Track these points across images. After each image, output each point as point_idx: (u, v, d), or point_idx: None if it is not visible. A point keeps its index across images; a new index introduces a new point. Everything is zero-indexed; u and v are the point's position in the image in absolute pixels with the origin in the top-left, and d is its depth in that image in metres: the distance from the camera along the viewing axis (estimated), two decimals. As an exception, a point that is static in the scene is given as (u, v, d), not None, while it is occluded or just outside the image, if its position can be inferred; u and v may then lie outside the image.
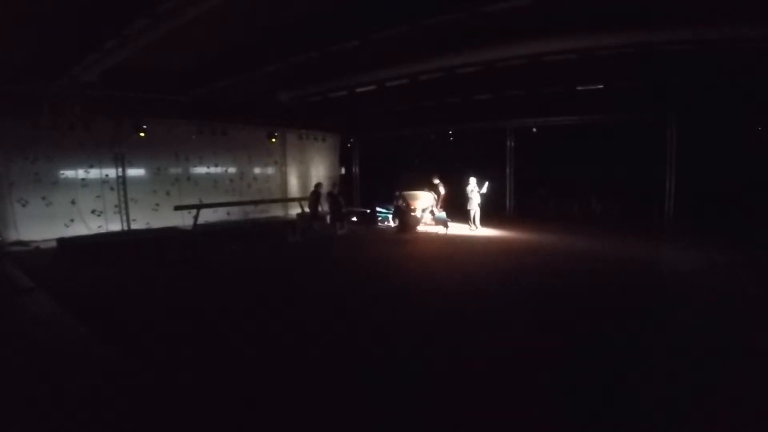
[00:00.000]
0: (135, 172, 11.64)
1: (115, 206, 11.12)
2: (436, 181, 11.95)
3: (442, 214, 11.44)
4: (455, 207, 12.35)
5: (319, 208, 11.60)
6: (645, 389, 3.26)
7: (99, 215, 10.83)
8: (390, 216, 12.57)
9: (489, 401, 3.18)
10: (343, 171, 17.97)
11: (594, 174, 12.67)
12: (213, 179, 13.23)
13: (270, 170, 15.08)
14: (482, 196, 11.59)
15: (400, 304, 5.60)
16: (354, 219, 13.61)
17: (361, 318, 5.14)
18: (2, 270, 7.61)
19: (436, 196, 11.95)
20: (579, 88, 10.85)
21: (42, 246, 9.54)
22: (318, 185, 12.03)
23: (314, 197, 11.69)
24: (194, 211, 11.14)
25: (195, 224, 11.12)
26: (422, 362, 3.85)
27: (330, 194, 12.28)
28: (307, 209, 11.75)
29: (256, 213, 13.92)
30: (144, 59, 8.05)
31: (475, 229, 11.56)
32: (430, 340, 4.37)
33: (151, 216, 11.69)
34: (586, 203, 13.69)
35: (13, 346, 4.26)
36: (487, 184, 11.51)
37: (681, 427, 2.84)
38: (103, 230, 10.72)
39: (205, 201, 11.98)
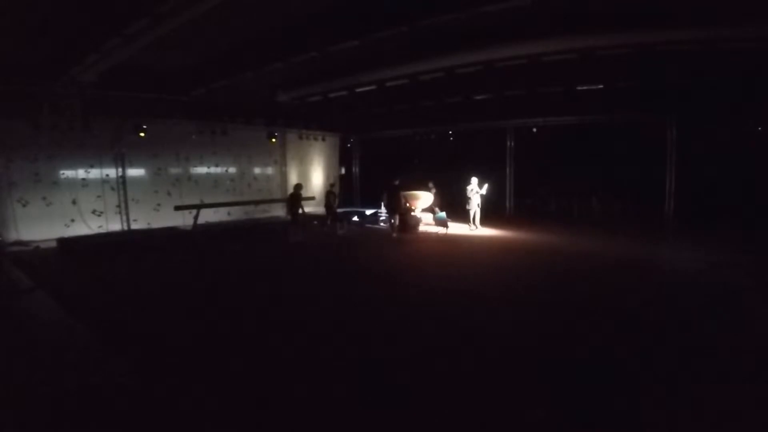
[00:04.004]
0: (135, 172, 11.66)
1: (116, 206, 11.12)
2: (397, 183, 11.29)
3: (442, 214, 11.43)
4: (455, 207, 12.37)
5: (300, 211, 10.73)
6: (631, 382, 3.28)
7: (99, 215, 10.83)
8: (386, 215, 12.33)
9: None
10: (343, 171, 17.98)
11: (594, 174, 12.67)
12: (213, 179, 13.24)
13: (270, 170, 15.10)
14: (482, 196, 11.60)
15: (403, 306, 5.60)
16: (355, 219, 13.62)
17: (365, 321, 5.14)
18: (2, 270, 7.61)
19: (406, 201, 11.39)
20: (579, 88, 10.85)
21: (42, 246, 9.55)
22: (297, 186, 10.90)
23: (293, 200, 10.72)
24: (195, 211, 11.19)
25: (195, 224, 11.15)
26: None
27: (329, 193, 12.13)
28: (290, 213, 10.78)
29: (256, 213, 13.96)
30: (144, 59, 8.06)
31: (475, 229, 11.56)
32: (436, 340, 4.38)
33: (152, 216, 11.69)
34: (586, 203, 13.69)
35: (12, 346, 4.26)
36: (486, 185, 11.52)
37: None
38: (103, 230, 10.73)
39: (206, 201, 12.02)
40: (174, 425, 2.94)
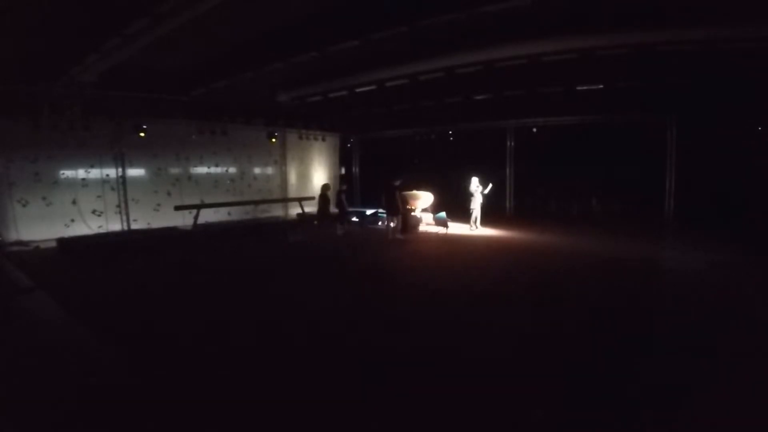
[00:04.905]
0: (135, 172, 11.67)
1: (116, 206, 11.12)
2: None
3: (442, 214, 11.43)
4: (455, 207, 12.36)
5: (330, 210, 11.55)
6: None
7: (99, 215, 10.84)
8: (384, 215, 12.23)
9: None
10: (343, 171, 17.99)
11: (594, 174, 12.68)
12: (213, 179, 13.24)
13: (270, 170, 15.10)
14: (484, 196, 11.60)
15: (403, 306, 5.60)
16: (354, 219, 13.61)
17: (365, 321, 5.14)
18: (2, 270, 7.61)
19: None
20: (579, 88, 10.85)
21: (42, 246, 9.54)
22: (325, 187, 11.90)
23: (324, 200, 11.69)
24: (195, 211, 11.19)
25: (195, 224, 11.15)
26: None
27: (340, 192, 12.29)
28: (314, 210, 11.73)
29: (256, 213, 13.96)
30: (144, 59, 8.05)
31: (475, 229, 11.56)
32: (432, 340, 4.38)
33: (152, 216, 11.69)
34: (586, 203, 13.70)
35: (12, 347, 4.26)
36: (490, 185, 11.53)
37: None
38: (103, 230, 10.73)
39: (206, 201, 12.02)
40: (174, 425, 2.94)
